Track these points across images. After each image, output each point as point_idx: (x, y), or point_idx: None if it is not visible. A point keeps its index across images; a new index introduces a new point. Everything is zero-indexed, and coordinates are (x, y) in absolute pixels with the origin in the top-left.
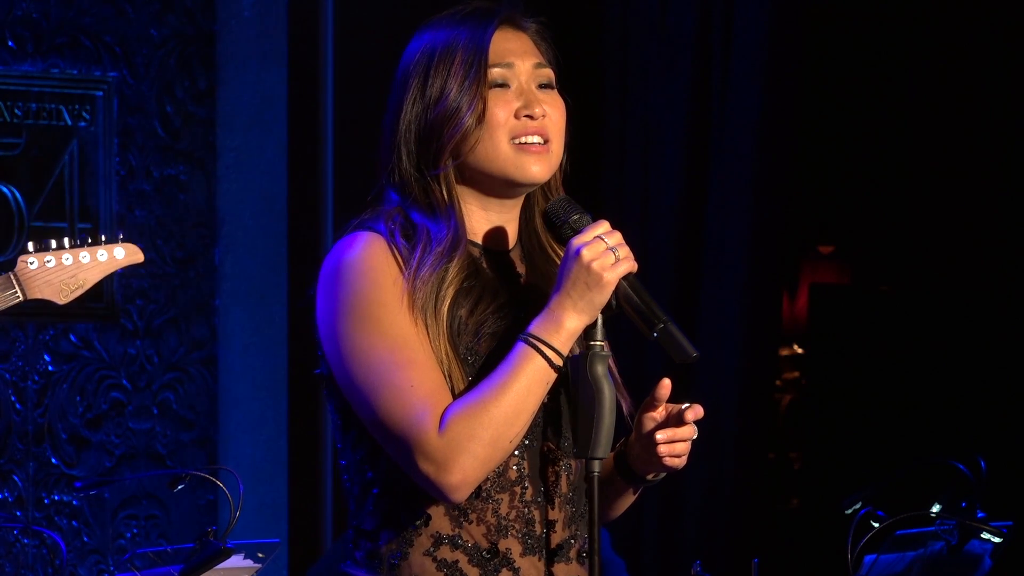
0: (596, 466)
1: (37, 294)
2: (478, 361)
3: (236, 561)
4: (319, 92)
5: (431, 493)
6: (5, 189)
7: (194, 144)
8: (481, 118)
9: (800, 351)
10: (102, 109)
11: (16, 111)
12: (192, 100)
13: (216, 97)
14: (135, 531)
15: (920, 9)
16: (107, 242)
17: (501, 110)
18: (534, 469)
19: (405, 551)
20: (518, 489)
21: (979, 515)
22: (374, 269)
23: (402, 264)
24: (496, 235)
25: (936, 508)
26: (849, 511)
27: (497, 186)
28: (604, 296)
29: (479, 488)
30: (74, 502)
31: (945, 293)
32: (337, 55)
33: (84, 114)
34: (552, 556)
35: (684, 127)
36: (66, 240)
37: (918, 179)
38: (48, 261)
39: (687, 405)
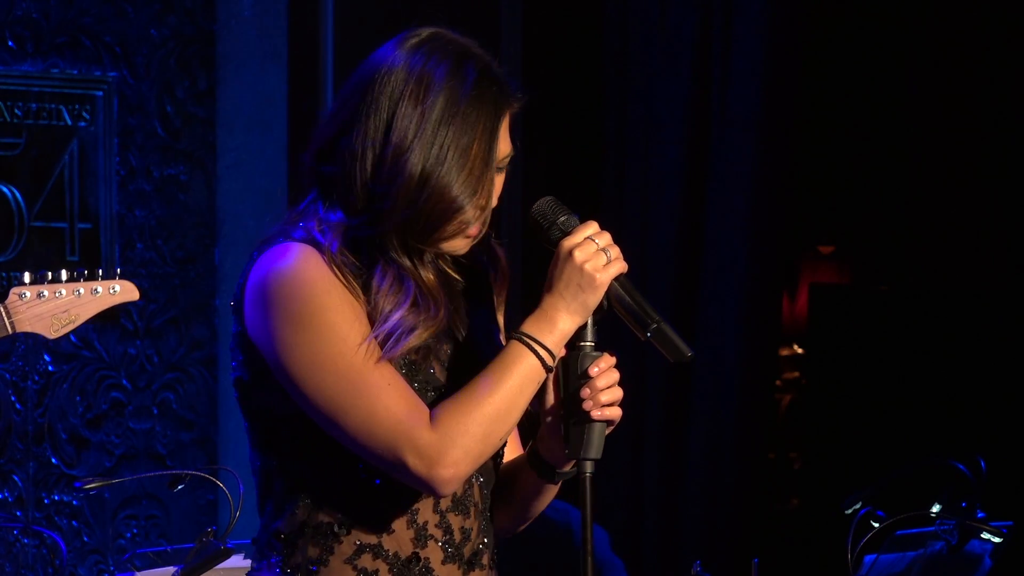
0: (588, 467)
1: (27, 327)
2: (403, 367)
3: (236, 561)
4: (319, 92)
5: (418, 488)
6: (5, 189)
7: (194, 144)
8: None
9: (800, 351)
10: (102, 109)
11: (16, 111)
12: (192, 100)
13: (216, 97)
14: (135, 531)
15: (920, 9)
16: (104, 278)
17: None
18: None
19: (325, 558)
20: (438, 498)
21: (979, 515)
22: (318, 279)
23: (349, 282)
24: None
25: (936, 508)
26: (849, 511)
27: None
28: (597, 297)
29: (399, 497)
30: (74, 502)
31: (945, 293)
32: (337, 55)
33: (84, 114)
34: (468, 564)
35: (684, 127)
36: (63, 273)
37: (917, 179)
38: (40, 294)
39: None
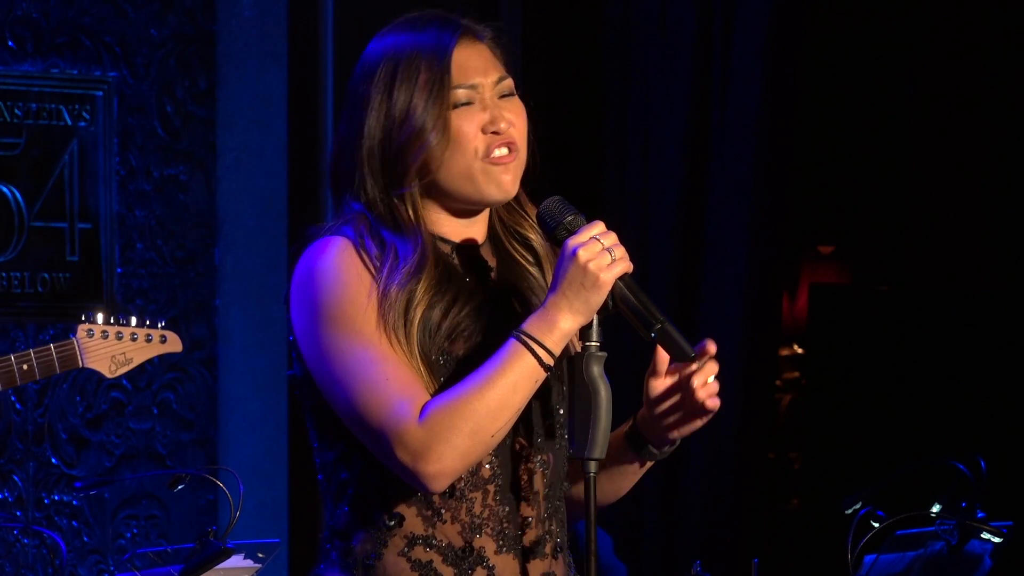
0: (593, 467)
1: (91, 364)
2: (451, 363)
3: (236, 561)
4: (319, 92)
5: (410, 483)
6: (5, 189)
7: (194, 144)
8: (447, 138)
9: (800, 351)
10: (102, 109)
11: (16, 111)
12: (192, 100)
13: (216, 97)
14: (135, 531)
15: (920, 9)
16: (150, 326)
17: (468, 128)
18: (506, 467)
19: (380, 551)
20: (491, 487)
21: (979, 515)
22: (346, 271)
23: (371, 267)
24: (467, 233)
25: (936, 508)
26: (849, 511)
27: (468, 202)
28: (600, 297)
29: (453, 487)
30: (74, 502)
31: (945, 293)
32: (337, 55)
33: (84, 114)
34: (527, 553)
35: (684, 127)
36: (111, 317)
37: (918, 179)
38: (104, 333)
39: (702, 347)
